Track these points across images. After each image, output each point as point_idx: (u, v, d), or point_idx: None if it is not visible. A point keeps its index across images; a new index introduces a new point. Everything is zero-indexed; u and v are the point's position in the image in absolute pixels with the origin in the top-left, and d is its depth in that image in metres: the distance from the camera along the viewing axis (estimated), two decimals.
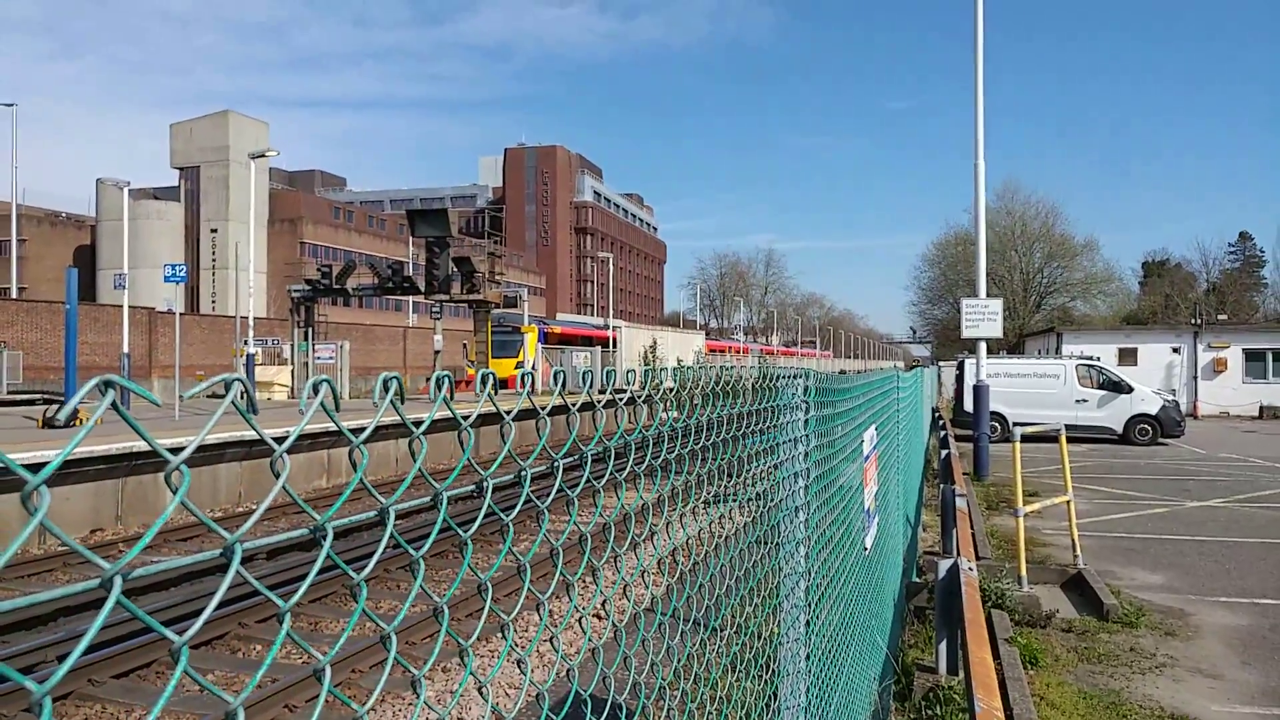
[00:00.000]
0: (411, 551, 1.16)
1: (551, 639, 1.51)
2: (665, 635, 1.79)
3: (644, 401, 1.65)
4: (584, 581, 8.58)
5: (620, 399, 1.54)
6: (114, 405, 0.70)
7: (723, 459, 1.92)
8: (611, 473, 1.64)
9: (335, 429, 17.02)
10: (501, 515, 1.35)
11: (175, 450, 0.73)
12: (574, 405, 1.47)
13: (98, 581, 0.69)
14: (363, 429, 1.04)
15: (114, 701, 6.39)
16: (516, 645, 1.33)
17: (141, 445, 13.14)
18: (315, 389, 0.92)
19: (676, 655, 1.86)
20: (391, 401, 1.06)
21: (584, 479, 1.51)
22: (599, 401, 1.67)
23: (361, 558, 9.64)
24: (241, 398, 0.84)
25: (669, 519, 1.81)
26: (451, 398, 1.14)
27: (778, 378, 2.25)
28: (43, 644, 7.15)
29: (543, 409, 1.39)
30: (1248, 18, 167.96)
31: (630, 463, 1.61)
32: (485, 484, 1.33)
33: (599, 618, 7.65)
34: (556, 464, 1.47)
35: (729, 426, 1.92)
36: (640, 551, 1.76)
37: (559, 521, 9.14)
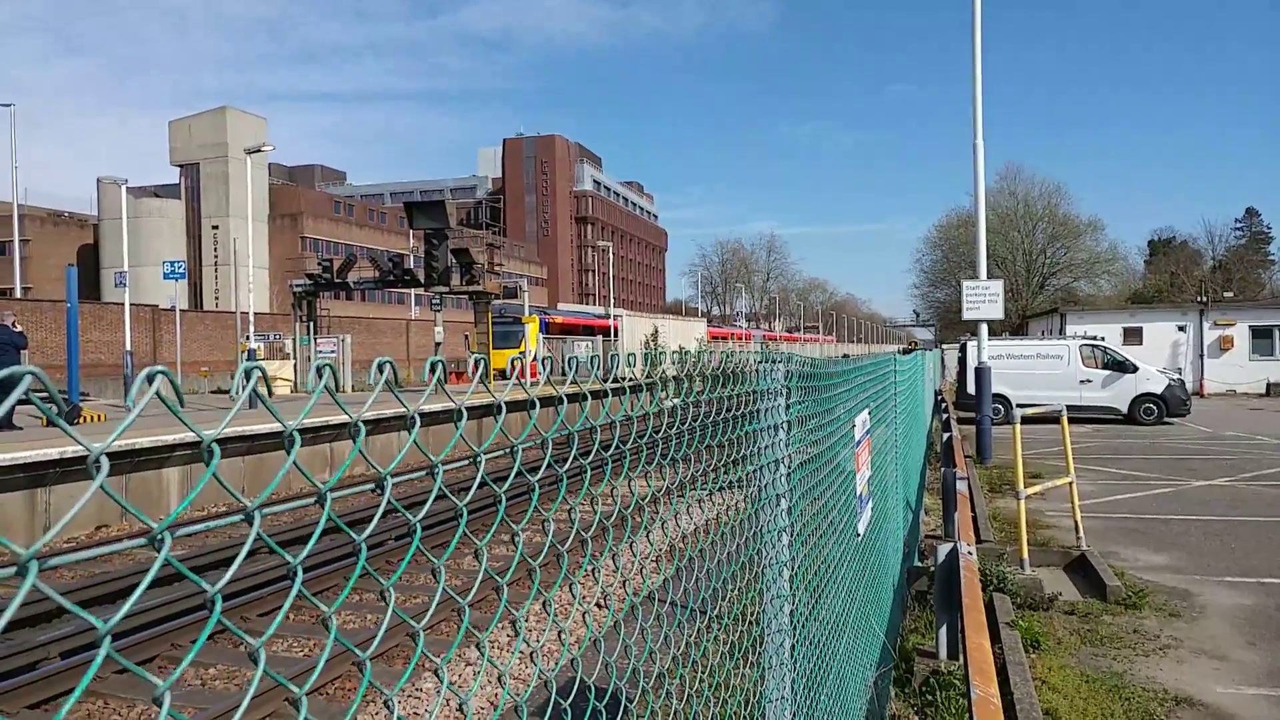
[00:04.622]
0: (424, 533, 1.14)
1: (560, 634, 1.49)
2: (664, 624, 1.79)
3: (617, 392, 1.61)
4: (582, 568, 8.61)
5: (589, 390, 1.49)
6: (158, 395, 0.77)
7: (698, 446, 1.87)
8: (611, 454, 1.60)
9: (336, 423, 17.01)
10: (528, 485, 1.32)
11: (193, 443, 0.78)
12: (539, 397, 1.42)
13: (145, 540, 0.77)
14: (367, 413, 1.04)
15: (116, 696, 6.40)
16: (527, 636, 1.31)
17: (144, 442, 13.14)
18: (319, 373, 0.97)
19: (674, 644, 1.86)
20: (387, 382, 1.06)
21: (548, 467, 1.47)
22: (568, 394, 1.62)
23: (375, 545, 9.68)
24: (255, 385, 0.90)
25: (643, 500, 1.77)
26: (444, 381, 1.11)
27: (756, 363, 2.20)
28: (49, 640, 7.17)
29: (546, 399, 1.35)
30: None
31: (611, 441, 1.56)
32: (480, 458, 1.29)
33: (600, 606, 7.63)
34: (514, 455, 1.43)
35: (701, 413, 1.87)
36: (635, 545, 1.73)
37: (540, 515, 9.11)
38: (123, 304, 28.19)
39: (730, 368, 2.14)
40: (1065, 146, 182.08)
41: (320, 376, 0.97)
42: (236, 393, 0.84)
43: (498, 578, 1.37)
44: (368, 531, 1.12)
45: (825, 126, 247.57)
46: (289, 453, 0.93)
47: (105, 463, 0.68)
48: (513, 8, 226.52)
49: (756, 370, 2.21)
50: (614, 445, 1.58)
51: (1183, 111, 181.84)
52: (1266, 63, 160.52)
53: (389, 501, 1.10)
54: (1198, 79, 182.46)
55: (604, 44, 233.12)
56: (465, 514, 1.25)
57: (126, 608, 0.78)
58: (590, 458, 1.58)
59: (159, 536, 0.77)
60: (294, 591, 0.97)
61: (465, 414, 1.17)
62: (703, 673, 2.00)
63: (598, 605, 7.74)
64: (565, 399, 1.46)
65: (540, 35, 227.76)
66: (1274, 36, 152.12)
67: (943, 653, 5.93)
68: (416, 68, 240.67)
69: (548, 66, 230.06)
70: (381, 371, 1.03)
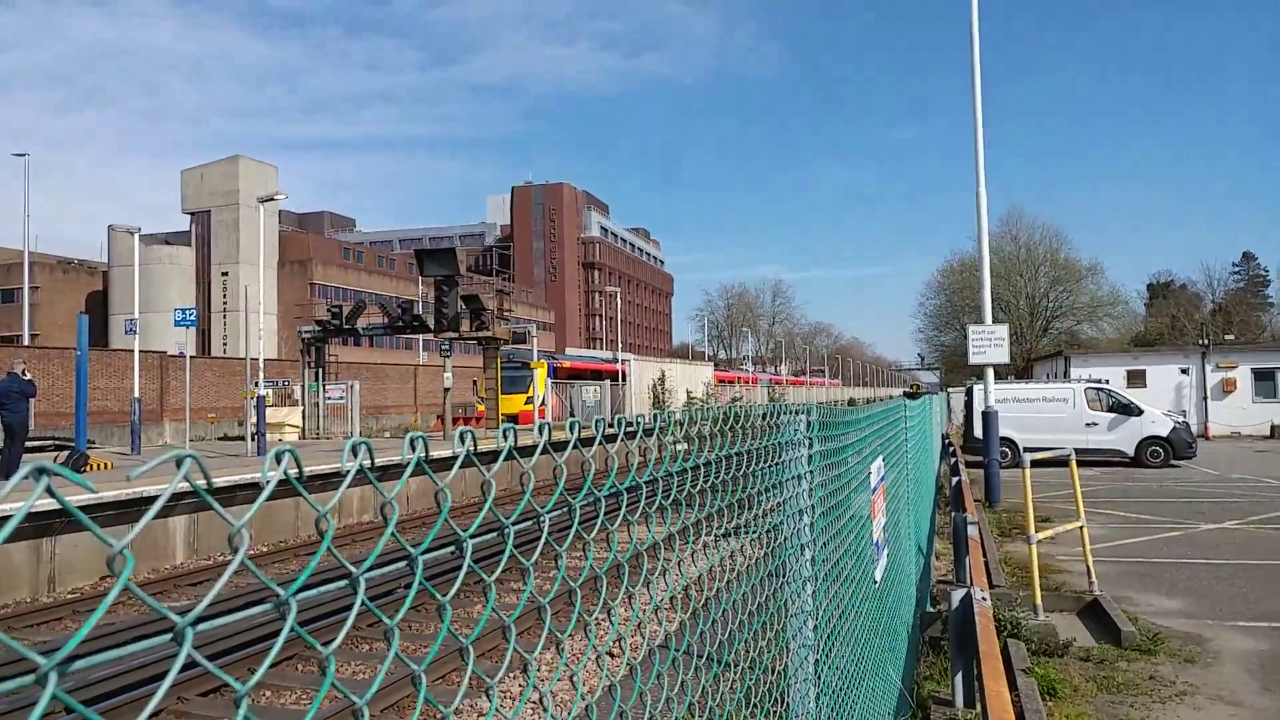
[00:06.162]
0: (439, 597, 1.21)
1: (571, 677, 1.56)
2: (680, 670, 1.83)
3: (650, 436, 1.70)
4: (598, 620, 8.60)
5: (615, 440, 1.58)
6: (49, 490, 0.69)
7: (730, 497, 1.96)
8: (624, 514, 1.69)
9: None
10: (523, 559, 1.40)
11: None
12: (570, 445, 1.51)
13: (33, 678, 0.66)
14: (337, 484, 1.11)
15: None
16: (539, 683, 1.38)
17: (151, 490, 13.15)
18: (278, 459, 0.90)
19: (690, 690, 1.90)
20: (362, 467, 1.05)
21: (599, 519, 1.56)
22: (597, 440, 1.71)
23: (379, 596, 9.66)
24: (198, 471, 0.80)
25: (680, 557, 1.85)
26: (427, 457, 1.16)
27: (780, 414, 2.29)
28: None
29: (557, 447, 1.44)
30: (1249, 39, 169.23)
31: (641, 499, 1.65)
32: (507, 530, 1.38)
33: (612, 655, 7.63)
34: (574, 506, 1.52)
35: (733, 465, 1.96)
36: (653, 589, 1.80)
37: (568, 559, 9.09)
38: (130, 350, 28.38)
39: (757, 423, 2.23)
40: (1063, 187, 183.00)
41: (279, 462, 0.90)
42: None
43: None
44: (334, 643, 1.05)
45: (830, 170, 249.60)
46: (236, 551, 0.86)
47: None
48: (520, 58, 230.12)
49: (779, 422, 2.31)
50: (656, 496, 1.67)
51: (1179, 153, 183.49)
52: (1257, 108, 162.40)
53: (362, 602, 1.05)
54: (1192, 121, 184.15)
55: (611, 93, 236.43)
56: (449, 609, 1.29)
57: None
58: (637, 513, 1.67)
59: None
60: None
61: (449, 494, 1.19)
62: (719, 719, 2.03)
63: (610, 654, 7.74)
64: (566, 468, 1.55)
65: (547, 85, 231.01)
66: (1268, 82, 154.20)
67: (959, 700, 5.92)
68: (425, 115, 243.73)
69: (555, 115, 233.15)
70: (355, 454, 1.01)
